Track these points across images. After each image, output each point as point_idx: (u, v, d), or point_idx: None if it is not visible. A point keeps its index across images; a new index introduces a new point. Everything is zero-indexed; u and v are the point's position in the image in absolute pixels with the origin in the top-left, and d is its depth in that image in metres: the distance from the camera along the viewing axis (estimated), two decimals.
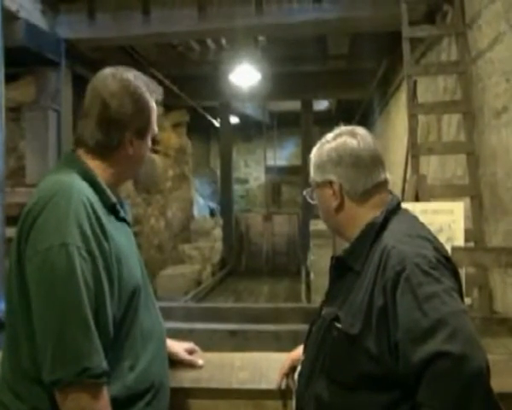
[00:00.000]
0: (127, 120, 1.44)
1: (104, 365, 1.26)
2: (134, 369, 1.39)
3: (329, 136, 1.48)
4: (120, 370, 1.36)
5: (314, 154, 1.49)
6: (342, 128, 1.48)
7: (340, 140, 1.43)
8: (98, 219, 1.33)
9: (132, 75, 1.49)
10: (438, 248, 1.28)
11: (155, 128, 1.55)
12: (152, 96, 1.51)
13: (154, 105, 1.51)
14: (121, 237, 1.43)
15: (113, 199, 1.45)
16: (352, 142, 1.41)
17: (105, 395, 1.27)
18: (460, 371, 1.07)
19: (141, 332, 1.44)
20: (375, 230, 1.35)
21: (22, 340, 1.31)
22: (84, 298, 1.24)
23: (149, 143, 1.55)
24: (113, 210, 1.45)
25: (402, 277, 1.19)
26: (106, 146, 1.44)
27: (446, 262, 1.26)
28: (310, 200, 1.55)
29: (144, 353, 1.43)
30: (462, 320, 1.13)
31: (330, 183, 1.43)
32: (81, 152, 1.46)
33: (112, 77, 1.46)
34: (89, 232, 1.29)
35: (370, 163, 1.40)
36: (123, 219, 1.51)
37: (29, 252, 1.28)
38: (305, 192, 1.55)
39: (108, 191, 1.44)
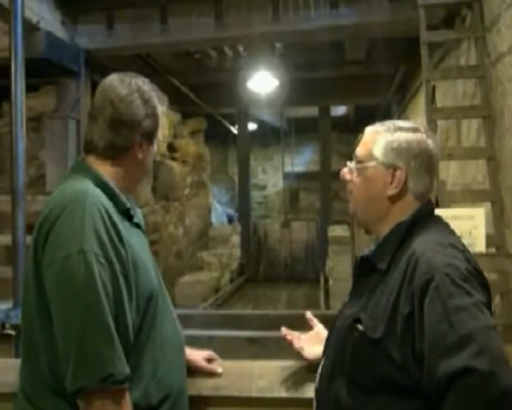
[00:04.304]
0: (138, 122, 1.46)
1: (127, 370, 1.26)
2: (154, 376, 1.39)
3: (404, 124, 1.42)
4: (141, 376, 1.36)
5: (386, 134, 1.40)
6: (418, 122, 1.45)
7: (420, 135, 1.38)
8: (114, 224, 1.34)
9: (141, 81, 1.52)
10: (469, 259, 1.24)
11: (159, 133, 1.58)
12: (159, 102, 1.54)
13: (160, 111, 1.54)
14: (136, 242, 1.44)
15: (127, 204, 1.46)
16: (431, 143, 1.38)
17: (128, 400, 1.28)
18: (487, 389, 1.02)
19: (160, 339, 1.44)
20: (403, 231, 1.32)
21: (41, 351, 1.31)
22: (104, 304, 1.24)
23: (156, 148, 1.57)
24: (127, 215, 1.46)
25: (431, 286, 1.14)
26: (117, 147, 1.46)
27: (477, 275, 1.21)
28: (348, 175, 1.46)
29: (164, 360, 1.43)
30: (491, 337, 1.08)
31: (395, 169, 1.36)
32: (91, 159, 1.47)
33: (121, 81, 1.49)
34: (105, 238, 1.29)
35: (435, 169, 1.39)
36: (137, 225, 1.52)
37: (46, 260, 1.28)
38: (349, 163, 1.47)
39: (122, 196, 1.45)
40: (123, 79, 1.49)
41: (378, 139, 1.40)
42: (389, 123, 1.43)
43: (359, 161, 1.43)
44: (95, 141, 1.45)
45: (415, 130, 1.39)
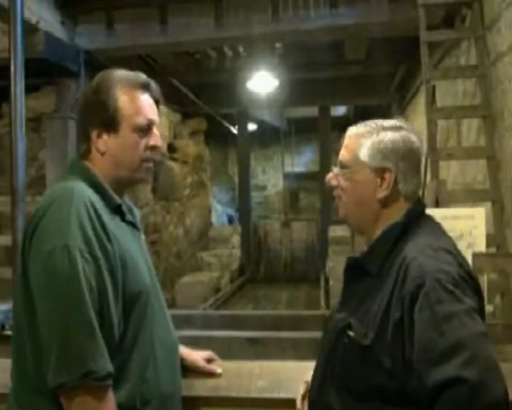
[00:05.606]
0: (86, 113, 1.45)
1: (109, 367, 1.24)
2: (141, 377, 1.37)
3: (387, 123, 1.37)
4: (127, 377, 1.34)
5: (371, 136, 1.35)
6: (400, 121, 1.40)
7: (404, 133, 1.34)
8: (100, 220, 1.32)
9: (108, 71, 1.49)
10: (461, 263, 1.21)
11: (138, 121, 1.44)
12: (133, 88, 1.45)
13: (131, 96, 1.44)
14: (127, 239, 1.42)
15: (117, 200, 1.44)
16: (415, 139, 1.35)
17: (111, 398, 1.26)
18: (476, 400, 1.00)
19: (150, 340, 1.42)
20: (398, 233, 1.30)
21: (28, 351, 1.30)
22: (87, 300, 1.23)
23: (135, 137, 1.44)
24: (118, 212, 1.44)
25: (421, 292, 1.12)
26: (83, 147, 1.47)
27: (469, 279, 1.19)
28: (334, 180, 1.41)
29: (153, 361, 1.41)
30: (482, 345, 1.06)
31: (384, 171, 1.33)
32: (83, 158, 1.48)
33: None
34: (91, 234, 1.28)
35: (421, 166, 1.37)
36: (131, 224, 1.50)
37: (32, 255, 1.28)
38: (334, 169, 1.42)
39: (111, 192, 1.43)
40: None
41: (362, 142, 1.36)
42: (371, 123, 1.39)
43: (345, 167, 1.39)
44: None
45: (398, 128, 1.36)
